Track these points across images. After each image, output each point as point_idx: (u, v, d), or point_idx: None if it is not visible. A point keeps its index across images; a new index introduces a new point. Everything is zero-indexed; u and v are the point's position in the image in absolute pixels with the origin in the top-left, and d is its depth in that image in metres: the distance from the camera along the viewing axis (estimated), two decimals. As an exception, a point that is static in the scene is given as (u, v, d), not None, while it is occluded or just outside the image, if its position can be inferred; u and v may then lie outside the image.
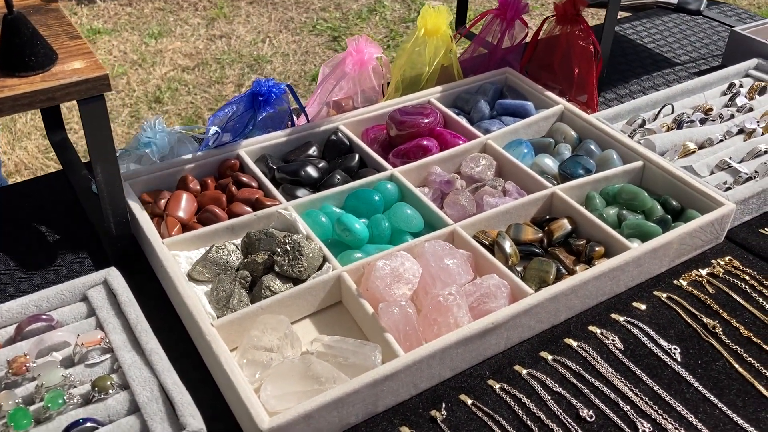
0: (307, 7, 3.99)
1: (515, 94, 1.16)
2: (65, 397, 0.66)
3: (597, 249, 0.87)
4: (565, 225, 0.91)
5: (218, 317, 0.76)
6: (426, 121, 1.02)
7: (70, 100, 0.72)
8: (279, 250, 0.81)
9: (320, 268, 0.82)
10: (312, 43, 3.63)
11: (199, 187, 0.94)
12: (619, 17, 1.58)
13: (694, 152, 1.04)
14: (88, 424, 0.65)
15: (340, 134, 1.03)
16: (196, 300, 0.75)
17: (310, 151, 1.01)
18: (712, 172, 1.01)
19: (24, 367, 0.68)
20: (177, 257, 0.83)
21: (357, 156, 1.00)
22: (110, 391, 0.67)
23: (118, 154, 0.93)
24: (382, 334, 0.74)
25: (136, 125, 2.99)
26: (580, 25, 1.12)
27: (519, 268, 0.86)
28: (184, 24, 3.82)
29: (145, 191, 0.93)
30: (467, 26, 1.16)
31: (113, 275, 0.79)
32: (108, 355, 0.72)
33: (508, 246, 0.86)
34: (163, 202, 0.89)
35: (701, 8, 1.56)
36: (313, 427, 0.67)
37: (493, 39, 1.20)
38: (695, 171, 0.99)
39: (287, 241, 0.81)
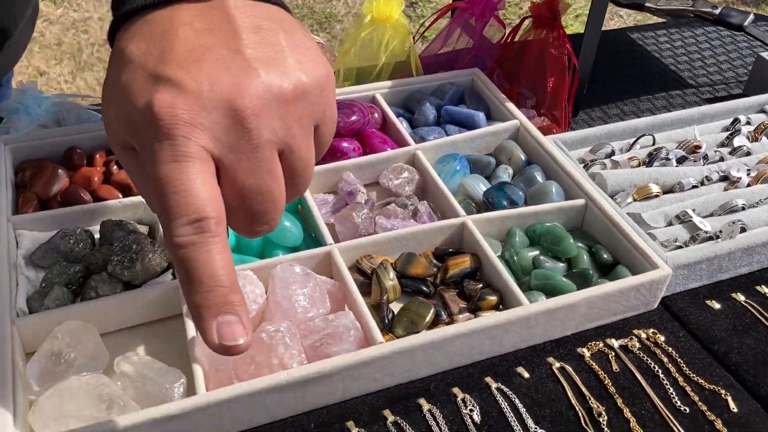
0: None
1: (477, 99, 1.03)
2: None
3: (489, 298, 0.75)
4: (465, 263, 0.78)
5: (31, 313, 0.69)
6: (349, 119, 0.91)
7: None
8: (118, 246, 0.73)
9: (162, 274, 0.74)
10: (387, 5, 3.53)
11: (85, 161, 0.87)
12: (649, 23, 1.41)
13: (656, 196, 0.89)
14: None
15: (257, 122, 0.93)
16: (5, 290, 0.68)
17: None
18: (670, 223, 0.86)
19: None
20: (20, 236, 0.76)
21: (268, 149, 0.91)
22: None
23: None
24: (191, 365, 0.65)
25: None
26: (555, 32, 0.97)
27: (397, 306, 0.76)
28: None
29: (30, 159, 0.87)
30: (433, 20, 1.03)
31: (-58, 250, 0.74)
32: None
33: (388, 279, 0.76)
34: (30, 173, 0.83)
35: (745, 23, 1.36)
36: (77, 460, 0.59)
37: (471, 37, 1.07)
38: (643, 220, 0.84)
39: (131, 237, 0.73)
